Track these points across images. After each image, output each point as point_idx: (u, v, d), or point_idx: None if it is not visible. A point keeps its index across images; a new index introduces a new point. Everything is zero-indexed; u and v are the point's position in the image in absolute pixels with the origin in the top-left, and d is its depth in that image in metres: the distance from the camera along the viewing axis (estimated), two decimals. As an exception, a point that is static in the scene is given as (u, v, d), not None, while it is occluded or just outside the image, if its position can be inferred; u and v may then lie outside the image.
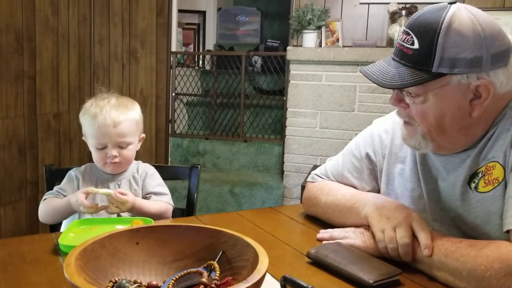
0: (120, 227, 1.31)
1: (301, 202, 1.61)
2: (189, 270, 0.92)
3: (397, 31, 3.44)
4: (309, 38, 3.63)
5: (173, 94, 4.35)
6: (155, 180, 1.78)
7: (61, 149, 3.77)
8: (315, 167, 3.46)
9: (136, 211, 1.62)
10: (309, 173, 1.65)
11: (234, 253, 0.96)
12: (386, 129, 1.42)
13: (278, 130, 4.32)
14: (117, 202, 1.57)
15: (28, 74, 3.36)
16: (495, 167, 1.12)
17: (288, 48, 3.70)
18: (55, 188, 1.75)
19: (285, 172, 3.88)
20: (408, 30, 1.13)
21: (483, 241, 1.06)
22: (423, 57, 1.09)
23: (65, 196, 1.71)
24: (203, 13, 5.84)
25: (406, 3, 3.55)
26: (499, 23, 1.12)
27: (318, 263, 1.14)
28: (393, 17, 3.56)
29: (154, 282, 0.92)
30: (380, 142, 1.42)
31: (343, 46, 3.65)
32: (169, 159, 4.38)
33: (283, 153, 3.89)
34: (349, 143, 1.53)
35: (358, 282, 1.04)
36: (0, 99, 3.11)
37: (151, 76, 4.17)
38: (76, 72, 3.92)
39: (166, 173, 1.89)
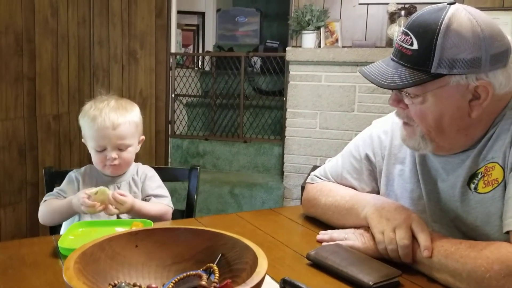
0: (120, 229, 1.32)
1: (301, 203, 1.61)
2: (188, 273, 0.92)
3: (396, 31, 3.44)
4: (308, 38, 3.63)
5: (173, 95, 4.35)
6: (154, 182, 1.78)
7: (61, 150, 3.77)
8: (315, 167, 3.46)
9: (135, 213, 1.61)
10: (309, 174, 1.65)
11: (233, 256, 0.96)
12: (385, 130, 1.42)
13: (278, 130, 4.32)
14: (116, 202, 1.57)
15: (27, 75, 3.36)
16: (495, 167, 1.12)
17: (287, 48, 3.71)
18: (55, 189, 1.75)
19: (285, 173, 3.88)
20: (407, 31, 1.13)
21: (483, 242, 1.06)
22: (422, 58, 1.09)
23: (65, 197, 1.71)
24: (202, 14, 5.84)
25: (405, 4, 3.55)
26: (498, 22, 1.13)
27: (317, 264, 1.14)
28: (392, 17, 3.56)
29: (153, 285, 0.91)
30: (379, 143, 1.42)
31: (343, 47, 3.65)
32: (169, 160, 4.38)
33: (283, 154, 3.89)
34: (348, 144, 1.52)
35: (358, 283, 1.04)
36: (0, 100, 3.12)
37: (150, 77, 4.17)
38: (76, 73, 3.92)
39: (166, 175, 1.89)
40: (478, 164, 1.17)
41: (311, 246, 1.23)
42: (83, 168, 1.79)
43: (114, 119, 1.65)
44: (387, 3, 3.58)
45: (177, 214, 1.92)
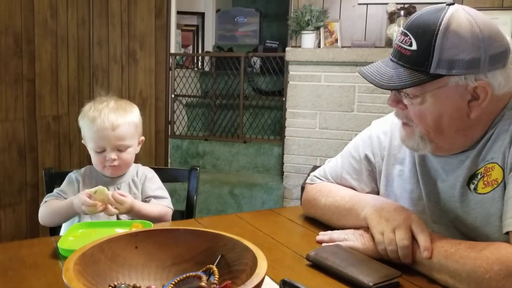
0: (120, 231, 1.32)
1: (301, 203, 1.61)
2: (188, 274, 0.92)
3: (395, 31, 3.44)
4: (308, 38, 3.63)
5: (173, 96, 4.35)
6: (154, 184, 1.78)
7: (61, 151, 3.77)
8: (314, 167, 3.46)
9: (135, 214, 1.62)
10: (309, 174, 1.65)
11: (233, 257, 0.96)
12: (384, 131, 1.42)
13: (278, 131, 4.32)
14: (116, 202, 1.57)
15: (27, 76, 3.36)
16: (494, 168, 1.12)
17: (287, 49, 3.71)
18: (56, 190, 1.75)
19: (284, 173, 3.88)
20: (406, 31, 1.13)
21: (482, 242, 1.05)
22: (421, 58, 1.09)
23: (65, 198, 1.71)
24: (201, 15, 5.84)
25: (404, 4, 3.55)
26: (498, 22, 1.13)
27: (317, 265, 1.14)
28: (392, 17, 3.55)
29: (153, 286, 0.91)
30: (378, 144, 1.42)
31: (342, 47, 3.65)
32: (169, 160, 4.38)
33: (283, 154, 3.89)
34: (348, 145, 1.52)
35: (357, 284, 1.04)
36: (-1, 102, 3.12)
37: (150, 77, 4.17)
38: (75, 74, 3.92)
39: (165, 176, 1.89)
40: (477, 164, 1.17)
41: (310, 246, 1.23)
42: (83, 169, 1.79)
43: (113, 120, 1.66)
44: (387, 3, 3.58)
45: (177, 215, 1.92)
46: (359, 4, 3.72)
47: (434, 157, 1.27)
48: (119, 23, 4.09)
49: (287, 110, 3.78)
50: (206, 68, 5.16)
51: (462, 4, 1.14)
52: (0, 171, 3.17)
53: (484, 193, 1.14)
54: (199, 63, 5.38)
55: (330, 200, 1.42)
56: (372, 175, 1.45)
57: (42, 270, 1.14)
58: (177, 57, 4.63)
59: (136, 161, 1.79)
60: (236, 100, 4.35)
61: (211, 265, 0.94)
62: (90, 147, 1.70)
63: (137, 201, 1.66)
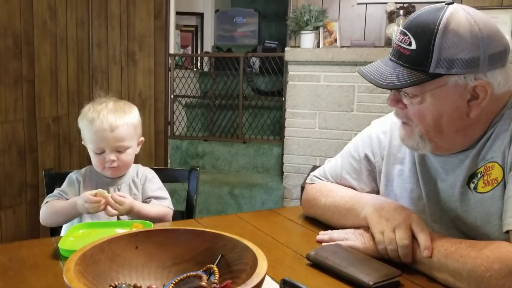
0: (120, 231, 1.32)
1: (300, 203, 1.61)
2: (188, 274, 0.92)
3: (395, 31, 3.44)
4: (307, 38, 3.63)
5: (172, 96, 4.36)
6: (154, 184, 1.78)
7: (61, 152, 3.77)
8: (314, 167, 3.46)
9: (135, 215, 1.62)
10: (309, 174, 1.65)
11: (233, 257, 0.96)
12: (384, 130, 1.42)
13: (277, 131, 4.32)
14: (115, 203, 1.57)
15: (27, 78, 3.36)
16: (494, 167, 1.12)
17: (286, 49, 3.71)
18: (57, 190, 1.75)
19: (284, 173, 3.88)
20: (405, 31, 1.13)
21: (482, 241, 1.06)
22: (420, 58, 1.09)
23: (67, 198, 1.71)
24: (200, 15, 5.84)
25: (403, 3, 3.55)
26: (497, 21, 1.13)
27: (317, 265, 1.14)
28: (391, 17, 3.56)
29: (153, 286, 0.92)
30: (378, 143, 1.42)
31: (341, 47, 3.65)
32: (169, 161, 4.38)
33: (282, 154, 3.89)
34: (348, 145, 1.52)
35: (358, 284, 1.04)
36: (-1, 103, 3.12)
37: (149, 78, 4.17)
38: (75, 75, 3.92)
39: (165, 176, 1.89)
40: (477, 163, 1.17)
41: (311, 246, 1.23)
42: (83, 169, 1.79)
43: (112, 121, 1.65)
44: (386, 3, 3.58)
45: (177, 215, 1.92)
46: (358, 3, 3.72)
47: (434, 156, 1.27)
48: (118, 24, 4.10)
49: (287, 110, 3.78)
50: (205, 69, 5.17)
51: (461, 3, 1.14)
52: (0, 172, 3.17)
53: (484, 192, 1.14)
54: (198, 64, 5.38)
55: (330, 200, 1.42)
56: (372, 175, 1.45)
57: (43, 271, 1.14)
58: (176, 57, 4.63)
59: (135, 162, 1.79)
60: (236, 101, 4.35)
61: (211, 265, 0.94)
62: (90, 148, 1.70)
63: (137, 202, 1.66)
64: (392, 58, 1.16)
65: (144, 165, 1.85)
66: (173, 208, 1.76)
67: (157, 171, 1.85)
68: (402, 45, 1.13)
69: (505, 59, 1.11)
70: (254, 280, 0.80)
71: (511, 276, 0.95)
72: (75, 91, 3.92)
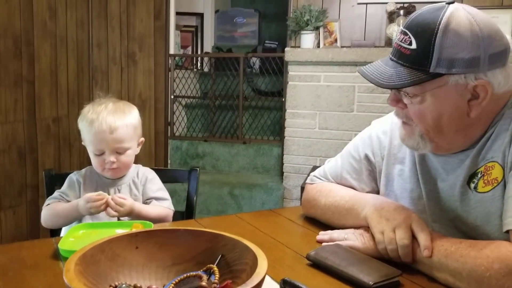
0: (120, 231, 1.32)
1: (300, 203, 1.61)
2: (188, 274, 0.92)
3: (395, 31, 3.44)
4: (307, 39, 3.63)
5: (172, 97, 4.36)
6: (155, 185, 1.78)
7: (61, 153, 3.77)
8: (314, 168, 3.46)
9: (135, 216, 1.61)
10: (309, 174, 1.65)
11: (233, 257, 0.96)
12: (384, 130, 1.41)
13: (277, 131, 4.32)
14: (115, 205, 1.57)
15: (27, 78, 3.36)
16: (494, 167, 1.12)
17: (286, 49, 3.71)
18: (57, 192, 1.75)
19: (284, 173, 3.88)
20: (405, 30, 1.13)
21: (483, 241, 1.06)
22: (421, 57, 1.09)
23: (68, 200, 1.71)
24: (200, 15, 5.84)
25: (404, 3, 3.55)
26: (498, 21, 1.13)
27: (318, 265, 1.14)
28: (391, 17, 3.56)
29: (154, 286, 0.91)
30: (378, 143, 1.42)
31: (341, 47, 3.65)
32: (169, 161, 4.38)
33: (282, 155, 3.89)
34: (348, 145, 1.52)
35: (358, 283, 1.04)
36: (-1, 104, 3.12)
37: (149, 79, 4.17)
38: (75, 76, 3.92)
39: (165, 176, 1.89)
40: (477, 163, 1.17)
41: (311, 246, 1.23)
42: (83, 170, 1.79)
43: (111, 123, 1.65)
44: (386, 3, 3.58)
45: (177, 215, 1.92)
46: (359, 3, 3.72)
47: (434, 156, 1.26)
48: (118, 25, 4.10)
49: (287, 110, 3.78)
50: (206, 69, 5.17)
51: (462, 2, 1.14)
52: (0, 173, 3.17)
53: (484, 192, 1.14)
54: (199, 64, 5.38)
55: (330, 200, 1.42)
56: (372, 175, 1.45)
57: (43, 271, 1.14)
58: (176, 58, 4.63)
59: (135, 162, 1.79)
60: (236, 101, 4.35)
61: (211, 265, 0.94)
62: (90, 149, 1.70)
63: (137, 203, 1.66)
64: (393, 57, 1.16)
65: (144, 165, 1.85)
66: (173, 209, 1.76)
67: (157, 171, 1.85)
68: (403, 44, 1.13)
69: (506, 59, 1.11)
70: (254, 280, 0.80)
71: (511, 275, 0.95)
72: (75, 91, 3.92)
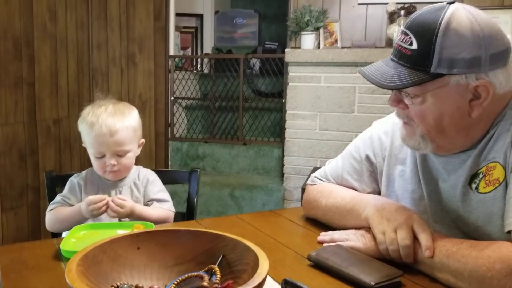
0: (121, 232, 1.32)
1: (301, 204, 1.61)
2: (190, 274, 0.92)
3: (396, 31, 3.44)
4: (307, 39, 3.63)
5: (172, 98, 4.36)
6: (156, 187, 1.78)
7: (62, 154, 3.77)
8: (315, 169, 3.46)
9: (136, 218, 1.61)
10: (309, 175, 1.65)
11: (235, 257, 0.96)
12: (385, 131, 1.41)
13: (278, 132, 4.32)
14: (116, 207, 1.57)
15: (27, 80, 3.36)
16: (496, 167, 1.12)
17: (286, 50, 3.71)
18: (59, 196, 1.75)
19: (285, 175, 3.88)
20: (406, 31, 1.13)
21: (484, 241, 1.06)
22: (422, 58, 1.09)
23: (70, 204, 1.71)
24: (200, 17, 5.84)
25: (404, 3, 3.55)
26: (498, 21, 1.13)
27: (319, 265, 1.14)
28: (392, 17, 3.55)
29: (155, 286, 0.92)
30: (380, 144, 1.42)
31: (342, 47, 3.65)
32: (169, 163, 4.38)
33: (283, 156, 3.88)
34: (349, 145, 1.52)
35: (359, 284, 1.04)
36: (-1, 105, 3.12)
37: (149, 80, 4.17)
38: (75, 77, 3.92)
39: (166, 178, 1.89)
40: (479, 164, 1.16)
41: (312, 247, 1.23)
42: (84, 172, 1.79)
43: (111, 126, 1.64)
44: (387, 3, 3.58)
45: (178, 217, 1.92)
46: (359, 4, 3.72)
47: (436, 156, 1.26)
48: (117, 26, 4.10)
49: (287, 111, 3.77)
50: (206, 70, 5.17)
51: (462, 2, 1.14)
52: (1, 175, 3.17)
53: (486, 193, 1.14)
54: (198, 65, 5.38)
55: (331, 201, 1.42)
56: (373, 176, 1.45)
57: (45, 272, 1.14)
58: (176, 59, 4.63)
59: (136, 164, 1.79)
60: (236, 102, 4.35)
61: (212, 265, 0.94)
62: (90, 152, 1.70)
63: (138, 205, 1.66)
64: (393, 58, 1.16)
65: (144, 167, 1.84)
66: (174, 211, 1.76)
67: (157, 172, 1.85)
68: (403, 45, 1.13)
69: (507, 59, 1.11)
70: (256, 280, 0.80)
71: (513, 276, 0.95)
72: (75, 93, 3.92)
